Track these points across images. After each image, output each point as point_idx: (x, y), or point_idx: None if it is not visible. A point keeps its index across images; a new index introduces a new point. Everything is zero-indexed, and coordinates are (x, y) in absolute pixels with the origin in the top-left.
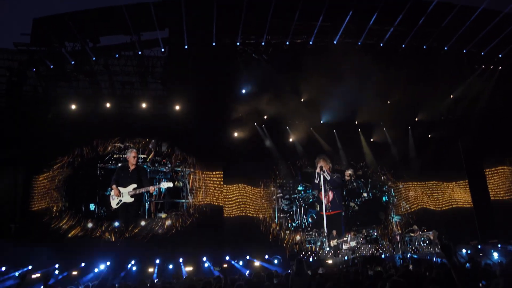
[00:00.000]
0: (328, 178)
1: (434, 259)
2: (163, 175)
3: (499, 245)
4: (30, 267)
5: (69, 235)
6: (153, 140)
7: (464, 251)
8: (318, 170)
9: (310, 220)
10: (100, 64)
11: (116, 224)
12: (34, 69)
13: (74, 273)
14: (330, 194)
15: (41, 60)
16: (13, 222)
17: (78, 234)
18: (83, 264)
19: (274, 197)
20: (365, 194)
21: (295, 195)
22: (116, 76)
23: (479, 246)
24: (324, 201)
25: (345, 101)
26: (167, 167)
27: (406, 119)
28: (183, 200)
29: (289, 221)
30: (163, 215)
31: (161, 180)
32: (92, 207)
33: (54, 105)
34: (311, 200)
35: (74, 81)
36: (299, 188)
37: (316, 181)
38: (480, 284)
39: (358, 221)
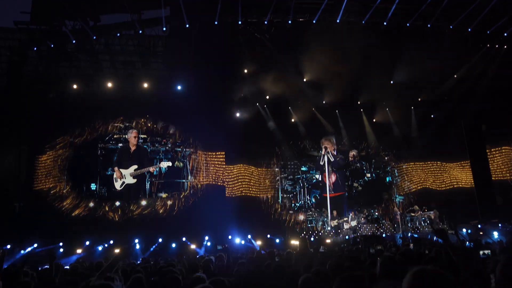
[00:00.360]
0: (332, 159)
1: (435, 238)
2: (164, 154)
3: (500, 225)
4: (35, 245)
5: (73, 214)
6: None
7: (464, 230)
8: (323, 151)
9: (313, 200)
10: (101, 44)
11: (118, 203)
12: (35, 48)
13: (79, 251)
14: (333, 176)
15: (41, 39)
16: (17, 201)
17: (81, 214)
18: (87, 243)
19: (277, 178)
20: (368, 175)
21: (299, 176)
22: (117, 55)
23: (479, 226)
24: (327, 182)
25: (348, 81)
26: (167, 147)
27: (409, 99)
28: (184, 180)
29: (293, 201)
30: (163, 195)
31: (162, 160)
32: (93, 186)
33: (55, 85)
34: (314, 180)
35: (75, 61)
36: (303, 168)
37: (321, 162)
38: (481, 254)
39: (362, 201)
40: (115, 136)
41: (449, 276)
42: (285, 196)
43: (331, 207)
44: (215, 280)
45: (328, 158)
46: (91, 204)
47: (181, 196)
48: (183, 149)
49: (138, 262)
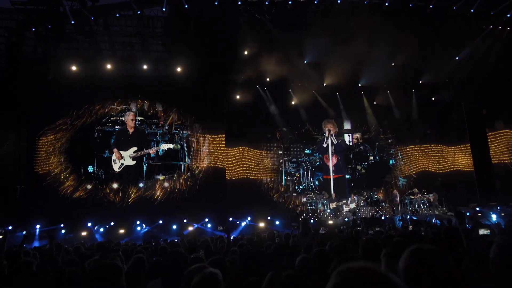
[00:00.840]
0: (335, 142)
1: (433, 220)
2: (161, 137)
3: (498, 207)
4: (38, 226)
5: (74, 196)
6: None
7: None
8: (326, 134)
9: (316, 182)
10: (100, 25)
11: (115, 186)
12: (33, 29)
13: (84, 233)
14: (334, 158)
15: (39, 19)
16: (18, 183)
17: (80, 196)
18: (89, 224)
19: (281, 160)
20: (371, 158)
21: (302, 158)
22: (116, 36)
23: (477, 208)
24: (329, 164)
25: (349, 63)
26: (164, 129)
27: (410, 82)
28: (181, 162)
29: (296, 184)
30: (161, 177)
31: (159, 142)
32: (90, 169)
33: (54, 66)
34: (318, 163)
35: (74, 42)
36: (306, 151)
37: (325, 145)
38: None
39: (365, 184)
40: (112, 118)
41: (446, 254)
42: (288, 178)
43: (335, 189)
44: (215, 259)
45: (331, 140)
46: (88, 186)
47: (181, 179)
48: (180, 131)
49: (139, 243)
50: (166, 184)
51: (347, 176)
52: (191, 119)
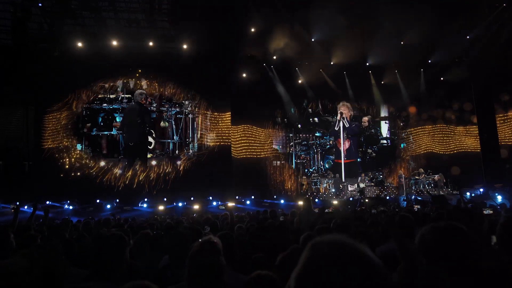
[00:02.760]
0: (347, 126)
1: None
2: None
3: (504, 189)
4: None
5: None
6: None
7: (468, 194)
8: (338, 116)
9: (327, 166)
10: (105, 0)
11: (102, 163)
12: (40, 4)
13: (91, 209)
14: (347, 143)
15: None
16: (26, 160)
17: (86, 173)
18: (98, 201)
19: (291, 143)
20: (384, 141)
21: (313, 141)
22: (122, 13)
23: (482, 189)
24: (341, 148)
25: (356, 41)
26: (152, 106)
27: (418, 61)
28: (169, 140)
29: (306, 167)
30: (148, 155)
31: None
32: (79, 147)
33: (60, 42)
34: (328, 146)
35: (80, 18)
36: (317, 134)
37: (336, 128)
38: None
39: (374, 167)
40: (99, 96)
41: (466, 229)
42: (298, 161)
43: (346, 173)
44: (223, 234)
45: (343, 124)
46: (102, 164)
47: (166, 157)
48: (169, 108)
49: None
50: (153, 162)
51: (358, 160)
52: (199, 96)
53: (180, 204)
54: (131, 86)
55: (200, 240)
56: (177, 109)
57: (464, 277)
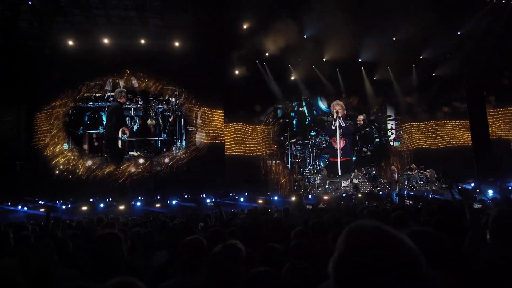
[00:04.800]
0: (343, 124)
1: (430, 196)
2: (135, 112)
3: (495, 183)
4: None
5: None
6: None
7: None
8: (334, 115)
9: (322, 165)
10: None
11: (89, 163)
12: (30, 2)
13: (84, 208)
14: (342, 141)
15: None
16: (18, 159)
17: (81, 173)
18: (91, 200)
19: (286, 143)
20: (378, 139)
21: (308, 141)
22: (113, 10)
23: (473, 184)
24: (337, 147)
25: (349, 37)
26: (139, 105)
27: (410, 57)
28: (156, 138)
29: (301, 166)
30: (135, 153)
31: (134, 118)
32: (65, 146)
33: (50, 40)
34: (323, 145)
35: (70, 16)
36: (312, 133)
37: (333, 127)
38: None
39: (369, 165)
40: (85, 95)
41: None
42: (294, 161)
43: (342, 171)
44: (215, 230)
45: (339, 123)
46: (90, 162)
47: (153, 155)
48: (156, 106)
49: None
50: (141, 161)
51: (353, 159)
52: (191, 95)
53: (174, 202)
54: (121, 84)
55: (223, 244)
56: (164, 107)
57: None
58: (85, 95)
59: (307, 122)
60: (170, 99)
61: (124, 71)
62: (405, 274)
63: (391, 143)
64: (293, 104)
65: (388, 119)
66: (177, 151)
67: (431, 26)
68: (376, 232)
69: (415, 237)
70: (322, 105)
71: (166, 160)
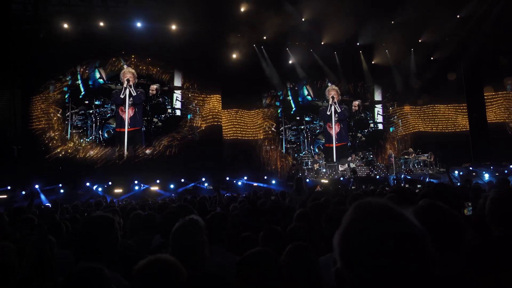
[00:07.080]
0: (339, 110)
1: (427, 179)
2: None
3: (491, 167)
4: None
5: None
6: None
7: (456, 172)
8: (330, 101)
9: (317, 150)
10: None
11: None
12: None
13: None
14: (337, 127)
15: None
16: (15, 144)
17: (77, 156)
18: (87, 184)
19: (281, 128)
20: (372, 125)
21: (302, 126)
22: None
23: (470, 168)
24: (332, 132)
25: (347, 21)
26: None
27: (409, 41)
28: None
29: (296, 152)
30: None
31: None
32: (67, 130)
33: (45, 23)
34: (318, 130)
35: None
36: (307, 118)
37: (328, 112)
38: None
39: (365, 148)
40: (84, 77)
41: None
42: (288, 146)
43: (336, 156)
44: (216, 214)
45: (334, 108)
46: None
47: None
48: (143, 91)
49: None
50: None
51: (348, 144)
52: (188, 79)
53: (171, 186)
54: (116, 67)
55: (181, 219)
56: (155, 92)
57: None
58: (84, 77)
59: (292, 112)
60: (157, 85)
61: (118, 54)
62: (409, 251)
63: (380, 126)
64: (278, 94)
65: (375, 103)
66: (175, 135)
67: (430, 9)
68: (384, 207)
69: (424, 212)
70: (307, 91)
71: (162, 143)
